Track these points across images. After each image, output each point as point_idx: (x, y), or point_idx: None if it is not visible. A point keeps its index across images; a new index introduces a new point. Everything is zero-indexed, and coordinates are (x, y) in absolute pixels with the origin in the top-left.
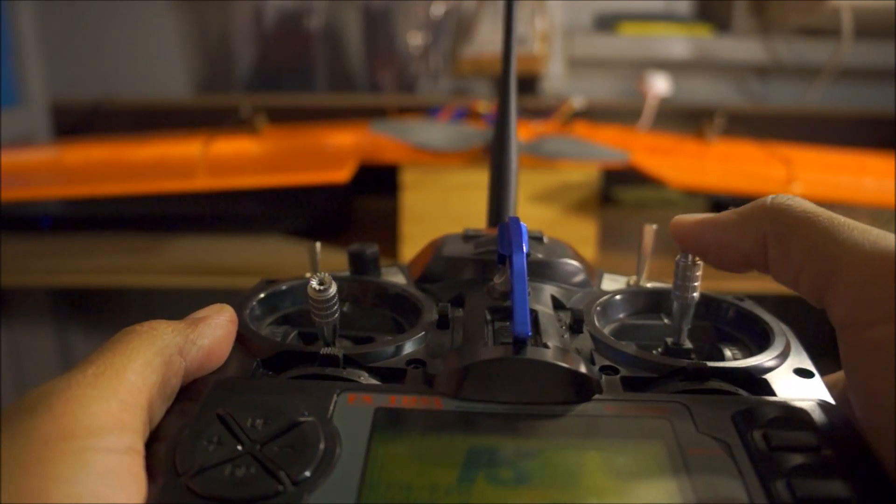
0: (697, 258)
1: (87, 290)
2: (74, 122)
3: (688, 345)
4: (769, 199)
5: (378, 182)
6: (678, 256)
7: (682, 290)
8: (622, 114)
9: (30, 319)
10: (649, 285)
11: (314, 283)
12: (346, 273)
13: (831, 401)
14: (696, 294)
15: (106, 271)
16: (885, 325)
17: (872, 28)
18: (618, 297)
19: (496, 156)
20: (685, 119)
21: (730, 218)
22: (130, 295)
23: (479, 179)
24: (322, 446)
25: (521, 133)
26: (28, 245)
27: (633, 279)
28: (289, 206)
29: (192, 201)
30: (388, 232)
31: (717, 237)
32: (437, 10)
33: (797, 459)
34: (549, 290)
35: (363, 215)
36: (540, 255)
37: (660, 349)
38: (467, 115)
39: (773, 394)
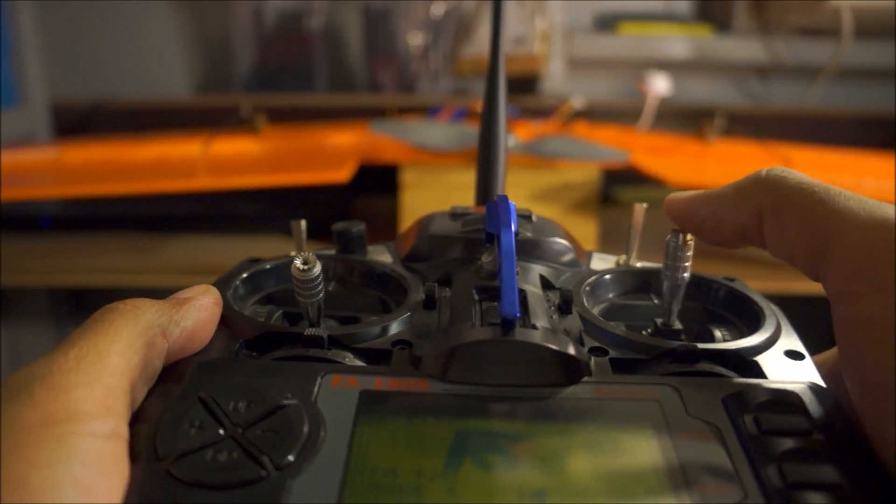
0: (689, 238)
1: (87, 290)
2: (74, 122)
3: (678, 325)
4: (764, 171)
5: (378, 182)
6: (669, 236)
7: (672, 270)
8: (622, 114)
9: (30, 319)
10: (639, 265)
11: (298, 263)
12: (332, 251)
13: (822, 383)
14: (686, 274)
15: (106, 271)
16: (879, 296)
17: (872, 28)
18: (607, 276)
19: (484, 132)
20: (685, 119)
21: (725, 191)
22: (130, 295)
23: None
24: (306, 430)
25: (521, 133)
26: (28, 245)
27: (622, 258)
28: (289, 206)
29: (192, 201)
30: (388, 232)
31: (712, 211)
32: (437, 10)
33: (788, 444)
34: (538, 269)
35: (363, 215)
36: (529, 234)
37: (649, 330)
38: (467, 115)
39: (764, 376)
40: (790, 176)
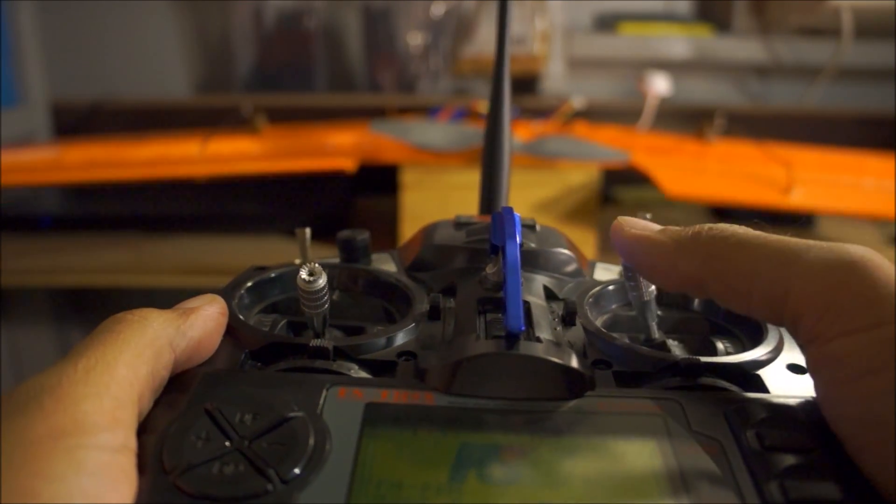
0: None
1: (87, 290)
2: (74, 122)
3: (660, 337)
4: (705, 230)
5: (378, 182)
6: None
7: (635, 290)
8: (622, 114)
9: (30, 319)
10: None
11: (304, 274)
12: (336, 260)
13: None
14: (652, 289)
15: (106, 271)
16: (847, 338)
17: (872, 28)
18: (610, 287)
19: (488, 142)
20: (685, 119)
21: (667, 244)
22: (130, 295)
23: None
24: (312, 443)
25: (521, 133)
26: (28, 245)
27: None
28: (289, 206)
29: (193, 201)
30: (388, 232)
31: (653, 260)
32: (437, 10)
33: (790, 460)
34: (541, 280)
35: (363, 215)
36: (532, 245)
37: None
38: (467, 115)
39: (766, 390)
40: (728, 233)
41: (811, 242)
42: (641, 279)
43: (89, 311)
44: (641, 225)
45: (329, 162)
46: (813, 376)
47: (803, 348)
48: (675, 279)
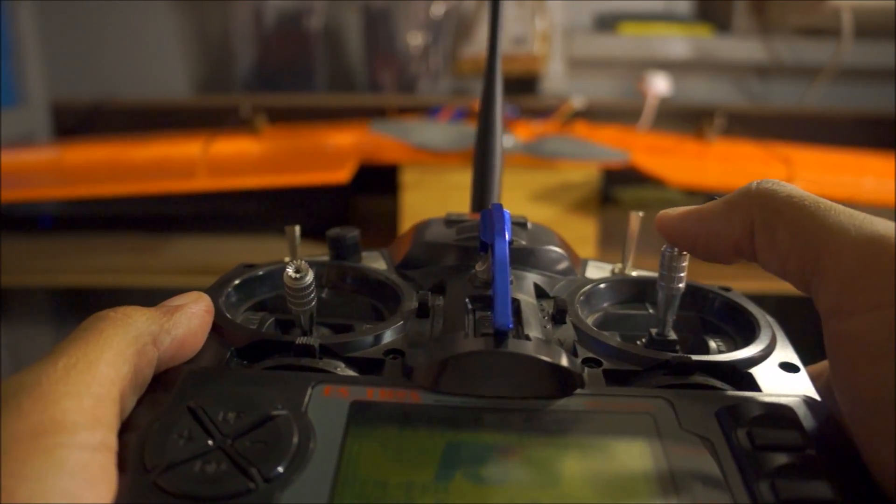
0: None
1: (87, 290)
2: (74, 122)
3: (672, 336)
4: (755, 184)
5: (378, 182)
6: (664, 246)
7: (667, 281)
8: (622, 114)
9: (30, 319)
10: (634, 274)
11: (290, 271)
12: (326, 258)
13: (816, 397)
14: (681, 285)
15: (106, 271)
16: (870, 313)
17: (872, 28)
18: (602, 285)
19: (480, 139)
20: (685, 119)
21: (716, 207)
22: (130, 295)
23: None
24: (295, 441)
25: (521, 133)
26: (28, 245)
27: (618, 267)
28: (289, 206)
29: (192, 201)
30: (388, 232)
31: (705, 227)
32: (437, 10)
33: (781, 459)
34: (532, 277)
35: (363, 215)
36: (523, 242)
37: (643, 340)
38: (467, 115)
39: (758, 388)
40: (781, 189)
41: (850, 211)
42: (675, 274)
43: (89, 311)
44: (685, 207)
45: (323, 176)
46: (829, 354)
47: (824, 321)
48: (727, 240)
